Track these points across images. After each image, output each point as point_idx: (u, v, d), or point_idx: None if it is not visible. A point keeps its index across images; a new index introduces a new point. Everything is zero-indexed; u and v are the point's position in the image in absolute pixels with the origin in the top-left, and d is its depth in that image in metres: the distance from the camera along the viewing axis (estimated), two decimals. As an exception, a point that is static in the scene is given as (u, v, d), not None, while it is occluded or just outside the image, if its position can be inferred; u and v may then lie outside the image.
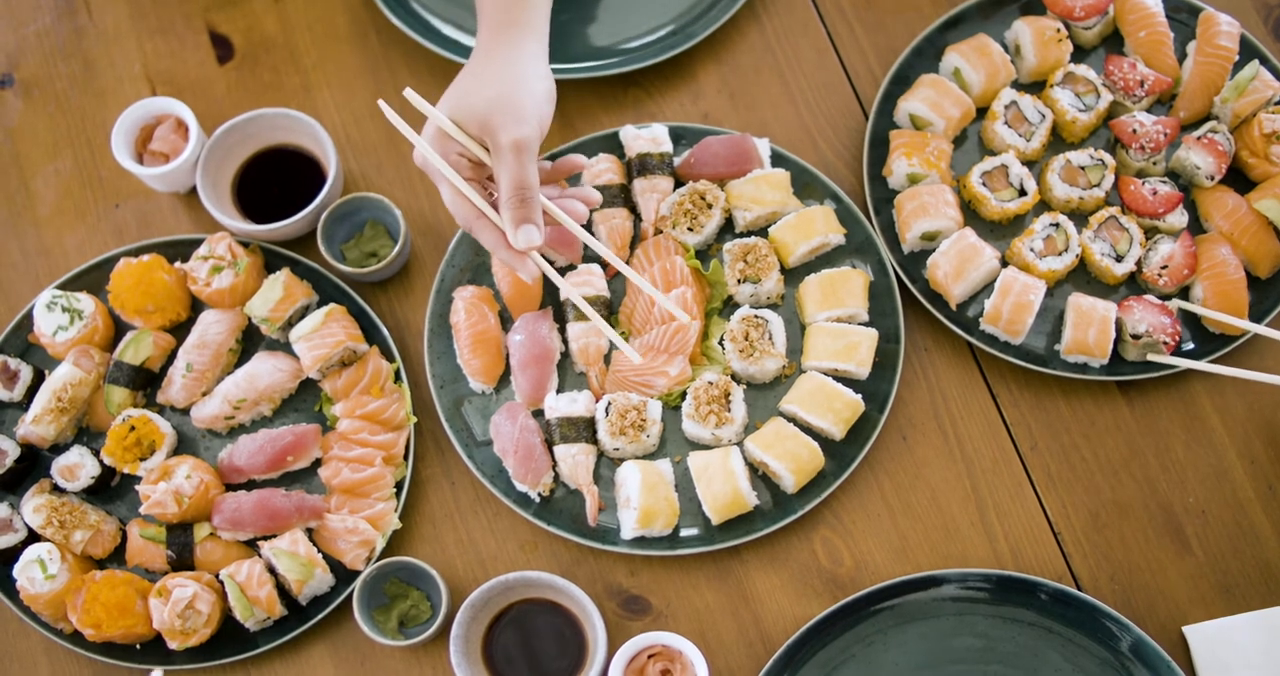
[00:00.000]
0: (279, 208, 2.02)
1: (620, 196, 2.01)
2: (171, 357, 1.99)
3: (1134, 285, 1.98)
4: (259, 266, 2.01)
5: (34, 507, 1.88)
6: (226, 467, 1.93)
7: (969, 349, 1.99)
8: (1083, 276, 1.99)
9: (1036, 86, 2.07)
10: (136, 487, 1.90)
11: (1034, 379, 1.96)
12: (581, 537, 1.88)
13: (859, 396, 1.89)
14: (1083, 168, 1.98)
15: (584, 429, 1.90)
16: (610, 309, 1.98)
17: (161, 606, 1.82)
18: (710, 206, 1.98)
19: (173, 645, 1.84)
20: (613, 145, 2.05)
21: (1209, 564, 1.88)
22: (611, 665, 1.79)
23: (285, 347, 1.99)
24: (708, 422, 1.89)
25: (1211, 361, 1.91)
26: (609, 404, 1.90)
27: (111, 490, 1.96)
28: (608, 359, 1.96)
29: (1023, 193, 1.98)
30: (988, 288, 1.97)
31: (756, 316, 1.93)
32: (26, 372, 1.96)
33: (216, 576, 1.87)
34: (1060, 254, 1.94)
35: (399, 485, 1.92)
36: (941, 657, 1.83)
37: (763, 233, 2.01)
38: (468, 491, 1.95)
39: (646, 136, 2.02)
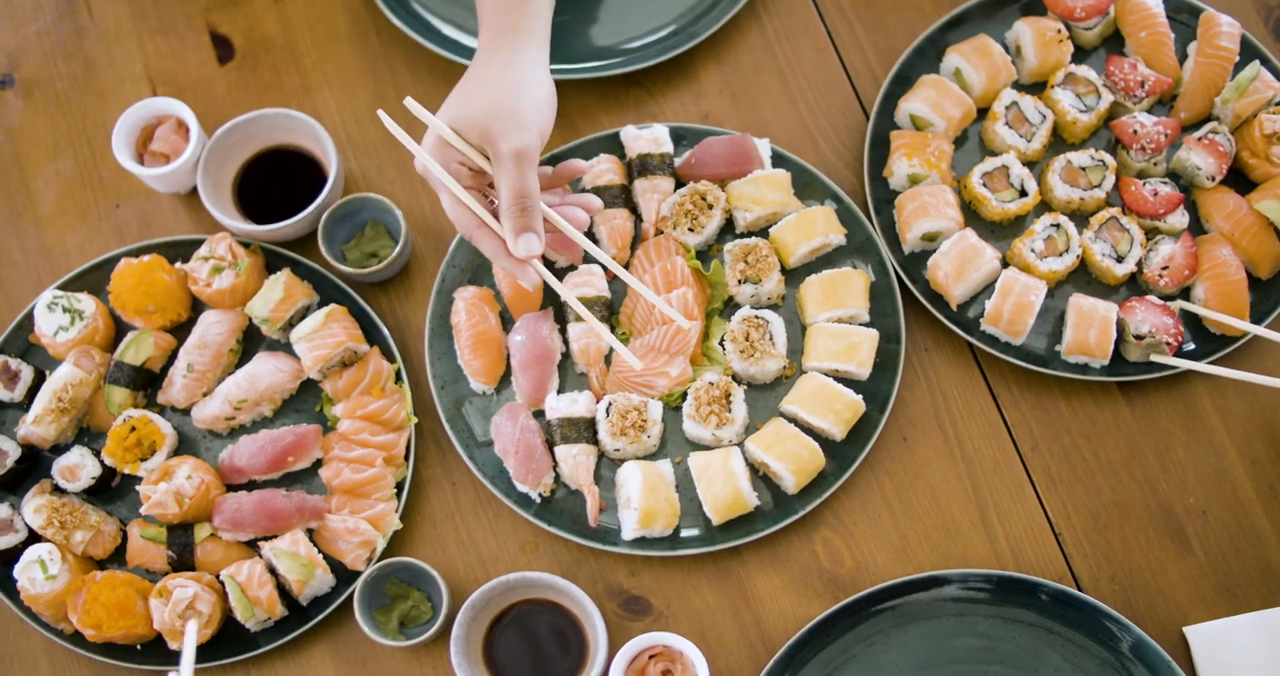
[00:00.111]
0: (280, 208, 2.02)
1: (621, 197, 2.01)
2: (172, 358, 1.99)
3: (1135, 286, 1.98)
4: (260, 267, 2.01)
5: (35, 508, 1.88)
6: (227, 468, 1.93)
7: (970, 349, 1.99)
8: (1083, 277, 1.99)
9: (1037, 87, 2.07)
10: (137, 488, 1.90)
11: (1035, 379, 1.96)
12: (582, 538, 1.88)
13: (860, 397, 1.89)
14: (1083, 168, 1.98)
15: (585, 429, 1.90)
16: (611, 309, 1.98)
17: (162, 607, 1.82)
18: (711, 207, 1.98)
19: (173, 645, 1.83)
20: (613, 145, 2.05)
21: (1210, 564, 1.88)
22: (612, 665, 1.79)
23: (286, 348, 1.99)
24: (708, 423, 1.89)
25: (1212, 362, 1.91)
26: (610, 404, 1.90)
27: (112, 490, 1.96)
28: (608, 359, 1.96)
29: (1023, 193, 1.98)
30: (988, 288, 1.97)
31: (757, 317, 1.93)
32: (27, 373, 1.96)
33: (217, 577, 1.87)
34: (1061, 255, 1.94)
35: (400, 486, 1.92)
36: (942, 658, 1.83)
37: (763, 233, 2.01)
38: (468, 492, 1.95)
39: (647, 137, 2.02)
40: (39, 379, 1.97)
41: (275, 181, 2.07)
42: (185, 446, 1.97)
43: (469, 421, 1.95)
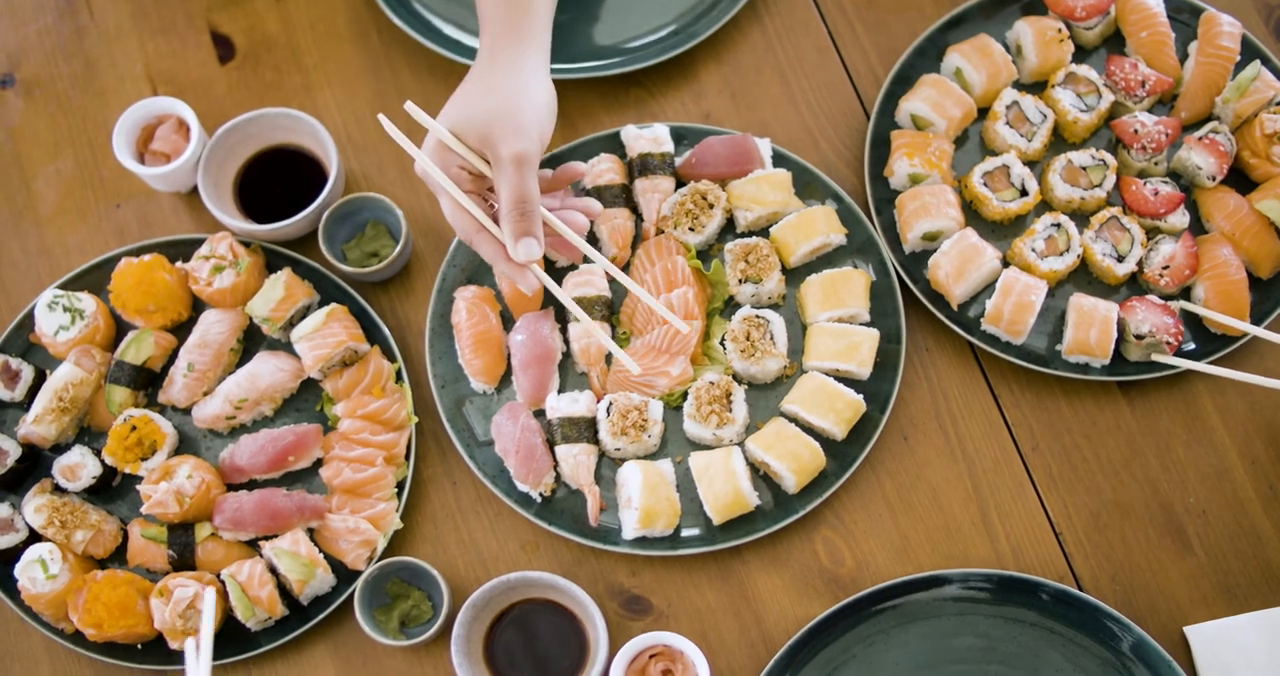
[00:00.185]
0: (280, 207, 2.02)
1: (622, 196, 2.01)
2: (173, 357, 1.99)
3: (1135, 285, 1.98)
4: (260, 266, 2.01)
5: (35, 507, 1.88)
6: (228, 467, 1.93)
7: (970, 349, 1.99)
8: (1084, 277, 1.99)
9: (1038, 87, 2.07)
10: (138, 487, 1.91)
11: (1035, 379, 1.96)
12: (583, 537, 1.88)
13: (860, 396, 1.89)
14: (1084, 168, 1.98)
15: (585, 429, 1.90)
16: (612, 309, 1.98)
17: (163, 606, 1.82)
18: (712, 206, 1.99)
19: (174, 645, 1.84)
20: (614, 145, 2.05)
21: (1210, 564, 1.88)
22: (613, 665, 1.79)
23: (286, 347, 1.99)
24: (709, 423, 1.89)
25: (1213, 362, 1.91)
26: (610, 404, 1.90)
27: (113, 490, 1.96)
28: (609, 359, 1.96)
29: (1024, 193, 1.98)
30: (989, 288, 1.97)
31: (758, 316, 1.93)
32: (28, 372, 1.97)
33: (218, 576, 1.87)
34: (1061, 254, 1.94)
35: (400, 485, 1.92)
36: (943, 657, 1.83)
37: (764, 233, 2.01)
38: (469, 491, 1.95)
39: (648, 136, 2.02)
40: (39, 378, 1.97)
41: (276, 181, 2.07)
42: (186, 446, 1.97)
43: (470, 421, 1.95)
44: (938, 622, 1.84)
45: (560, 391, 1.96)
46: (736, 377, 1.95)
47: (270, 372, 1.95)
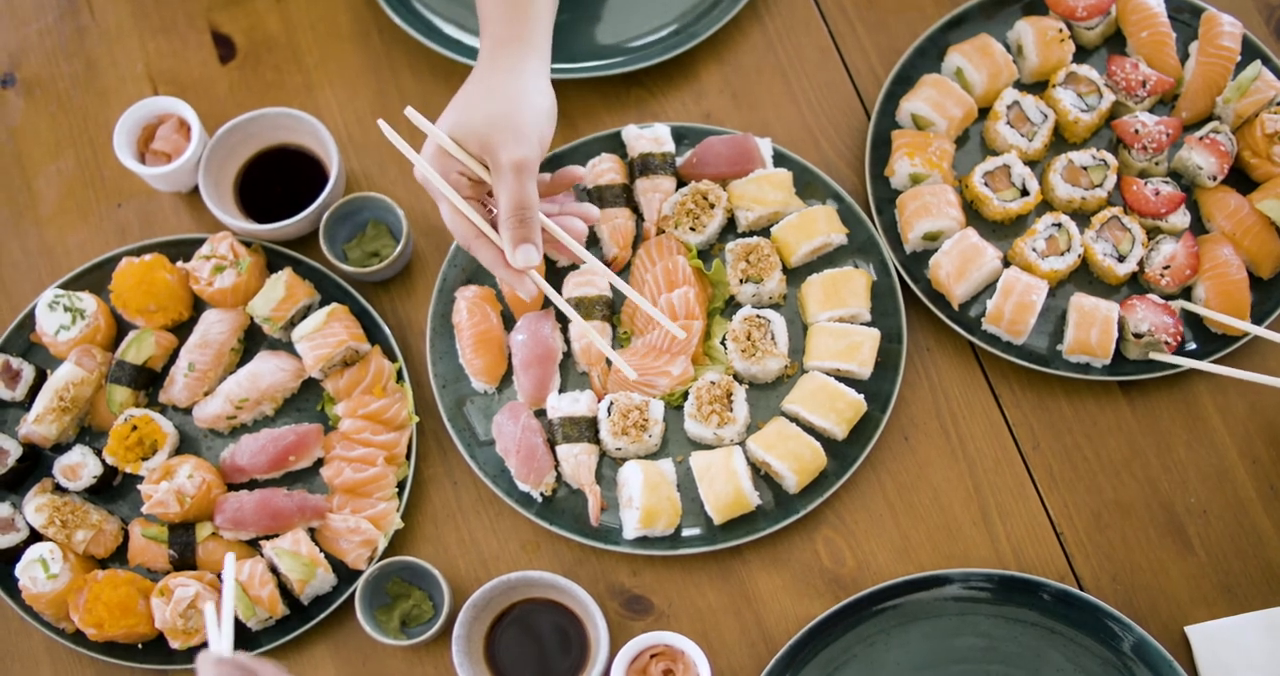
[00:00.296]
0: (281, 207, 2.02)
1: (622, 196, 2.01)
2: (173, 357, 1.99)
3: (1136, 285, 1.98)
4: (261, 266, 2.01)
5: (36, 507, 1.88)
6: (228, 467, 1.93)
7: (971, 349, 1.99)
8: (1085, 276, 1.99)
9: (1039, 86, 2.07)
10: (138, 487, 1.91)
11: (1036, 379, 1.96)
12: (584, 537, 1.88)
13: (861, 396, 1.89)
14: (1085, 168, 1.98)
15: (586, 428, 1.90)
16: (612, 309, 1.99)
17: (163, 606, 1.82)
18: (712, 206, 1.99)
19: (175, 644, 1.84)
20: (615, 145, 2.05)
21: (1211, 564, 1.88)
22: (614, 665, 1.79)
23: (287, 347, 1.99)
24: (710, 422, 1.89)
25: (1213, 361, 1.91)
26: (611, 404, 1.90)
27: (113, 490, 1.96)
28: (609, 359, 1.96)
29: (1025, 193, 1.98)
30: (990, 288, 1.97)
31: (759, 316, 1.93)
32: (29, 372, 1.96)
33: (219, 576, 1.87)
34: (1062, 254, 1.94)
35: (401, 485, 1.92)
36: (944, 657, 1.83)
37: (765, 232, 2.01)
38: (470, 491, 1.95)
39: (649, 136, 2.02)
40: (40, 378, 1.97)
41: (277, 181, 2.07)
42: (186, 445, 1.97)
43: (470, 420, 1.95)
44: (938, 622, 1.84)
45: (561, 391, 1.96)
46: (737, 377, 1.95)
47: (271, 372, 1.95)
